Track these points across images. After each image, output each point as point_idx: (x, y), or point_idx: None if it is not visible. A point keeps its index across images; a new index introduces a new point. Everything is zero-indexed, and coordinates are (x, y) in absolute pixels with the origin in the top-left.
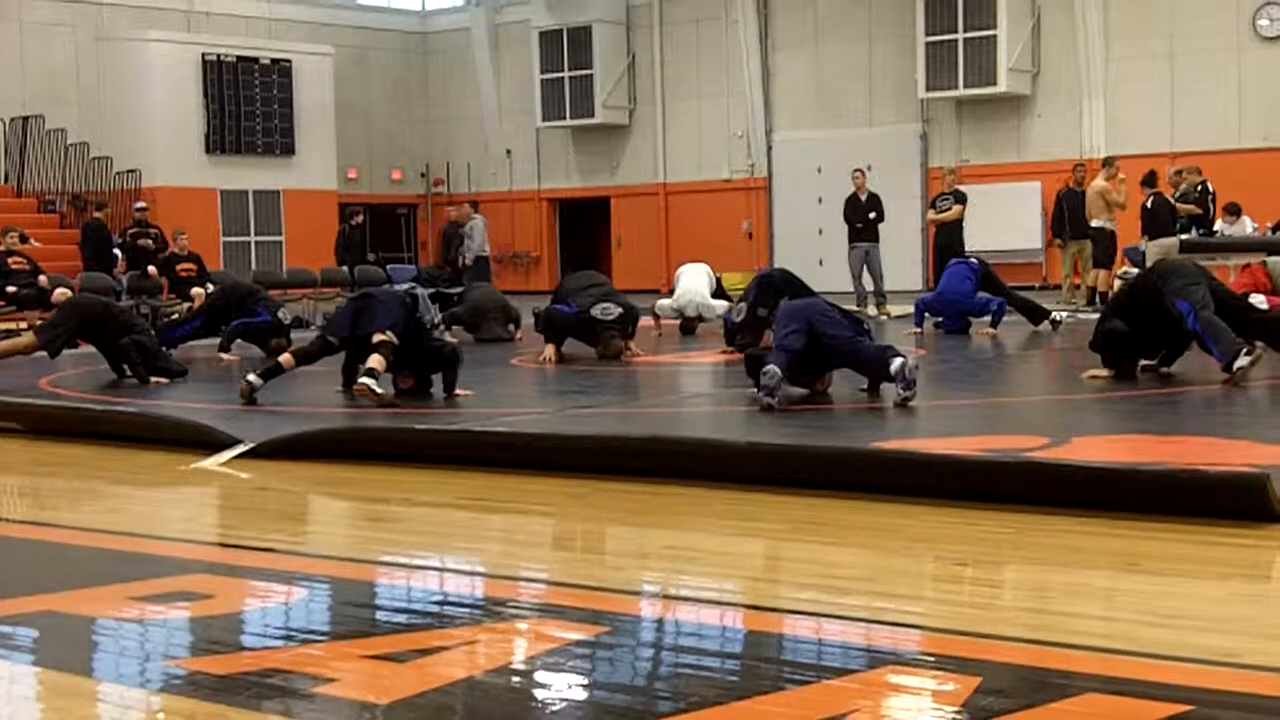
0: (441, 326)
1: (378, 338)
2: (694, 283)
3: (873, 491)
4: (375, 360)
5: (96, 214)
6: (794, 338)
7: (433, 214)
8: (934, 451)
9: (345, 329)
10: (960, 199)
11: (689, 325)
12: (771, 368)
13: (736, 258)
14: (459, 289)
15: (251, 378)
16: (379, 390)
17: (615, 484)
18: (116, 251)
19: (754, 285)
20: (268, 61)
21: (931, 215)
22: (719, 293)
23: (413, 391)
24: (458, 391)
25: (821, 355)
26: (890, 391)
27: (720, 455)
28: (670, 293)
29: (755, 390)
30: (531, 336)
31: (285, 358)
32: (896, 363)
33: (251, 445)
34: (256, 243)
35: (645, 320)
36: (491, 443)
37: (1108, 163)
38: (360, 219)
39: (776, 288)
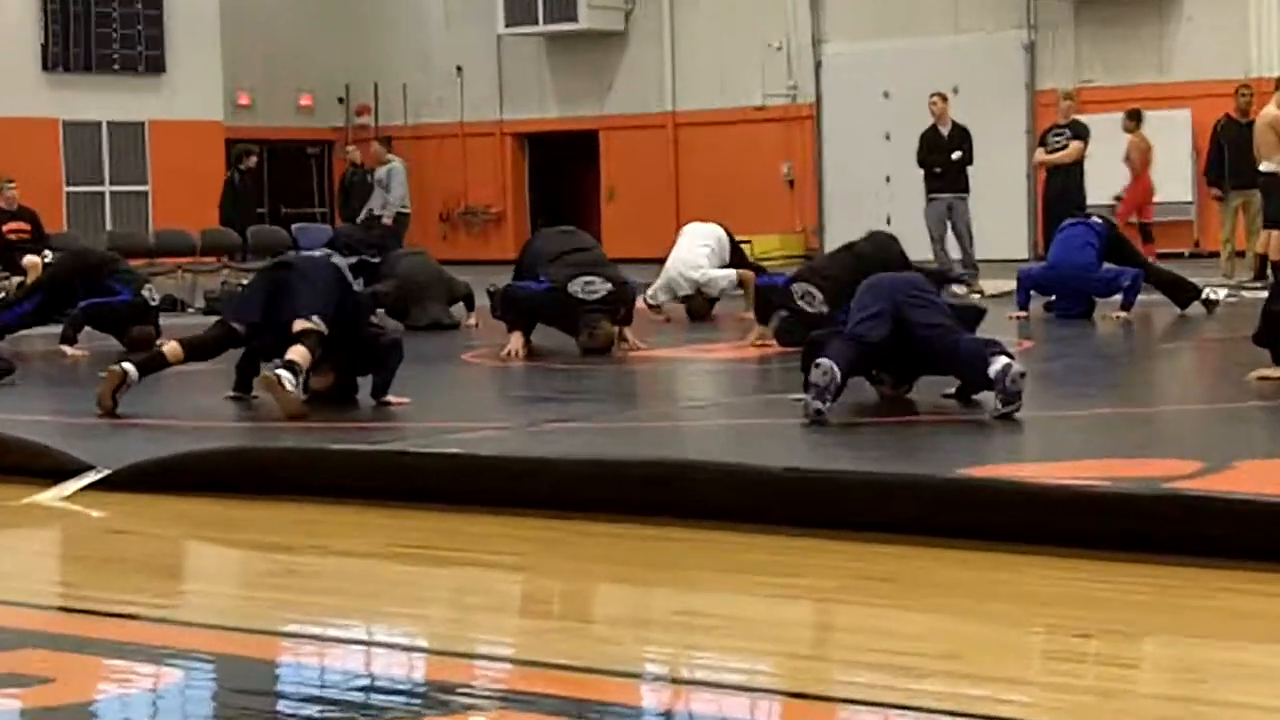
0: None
1: (300, 325)
2: (686, 252)
3: (960, 536)
4: (297, 352)
5: None
6: (872, 325)
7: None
8: (1042, 480)
9: (256, 312)
10: (1080, 134)
11: (699, 308)
12: (826, 362)
13: (774, 213)
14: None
15: (127, 365)
16: (290, 388)
17: (605, 526)
18: None
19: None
20: None
21: (1040, 156)
22: (737, 260)
23: (330, 396)
24: (390, 398)
25: (909, 352)
26: (988, 400)
27: (749, 486)
28: None
29: (802, 395)
30: (489, 324)
31: (171, 347)
32: (998, 364)
33: (107, 472)
34: (112, 194)
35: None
36: (437, 469)
37: None
38: (254, 161)
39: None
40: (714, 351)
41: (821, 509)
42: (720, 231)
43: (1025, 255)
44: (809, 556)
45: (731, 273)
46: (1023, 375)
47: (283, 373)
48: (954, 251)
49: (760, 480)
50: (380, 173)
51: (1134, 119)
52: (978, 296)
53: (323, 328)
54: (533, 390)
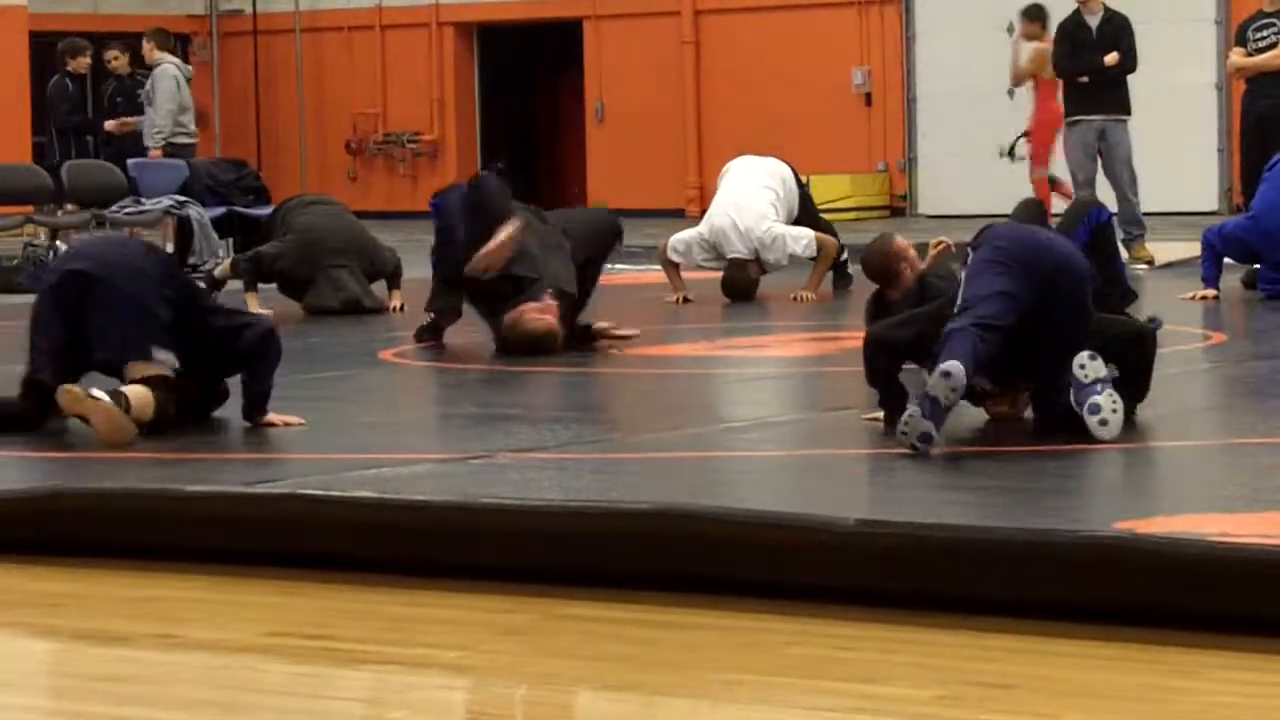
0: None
1: (140, 370)
2: (744, 195)
3: (1112, 620)
4: (137, 394)
5: None
6: (1001, 305)
7: (220, 50)
8: (1239, 540)
9: (52, 360)
10: None
11: (745, 282)
12: (957, 368)
13: (841, 144)
14: (269, 209)
15: None
16: (98, 394)
17: (591, 606)
18: None
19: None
20: None
21: (1236, 60)
22: (808, 214)
23: (181, 412)
24: (273, 417)
25: (1027, 348)
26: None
27: (804, 548)
28: (701, 217)
29: (877, 413)
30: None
31: None
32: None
33: None
34: None
35: (648, 274)
36: (343, 522)
37: None
38: (88, 62)
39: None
40: (755, 348)
41: (910, 581)
42: (786, 170)
43: (1215, 207)
44: (892, 652)
45: (808, 234)
46: (1157, 324)
47: (97, 391)
48: (1108, 199)
49: (820, 539)
50: (149, 83)
51: (1035, 18)
52: (1145, 267)
53: (173, 363)
54: (486, 404)
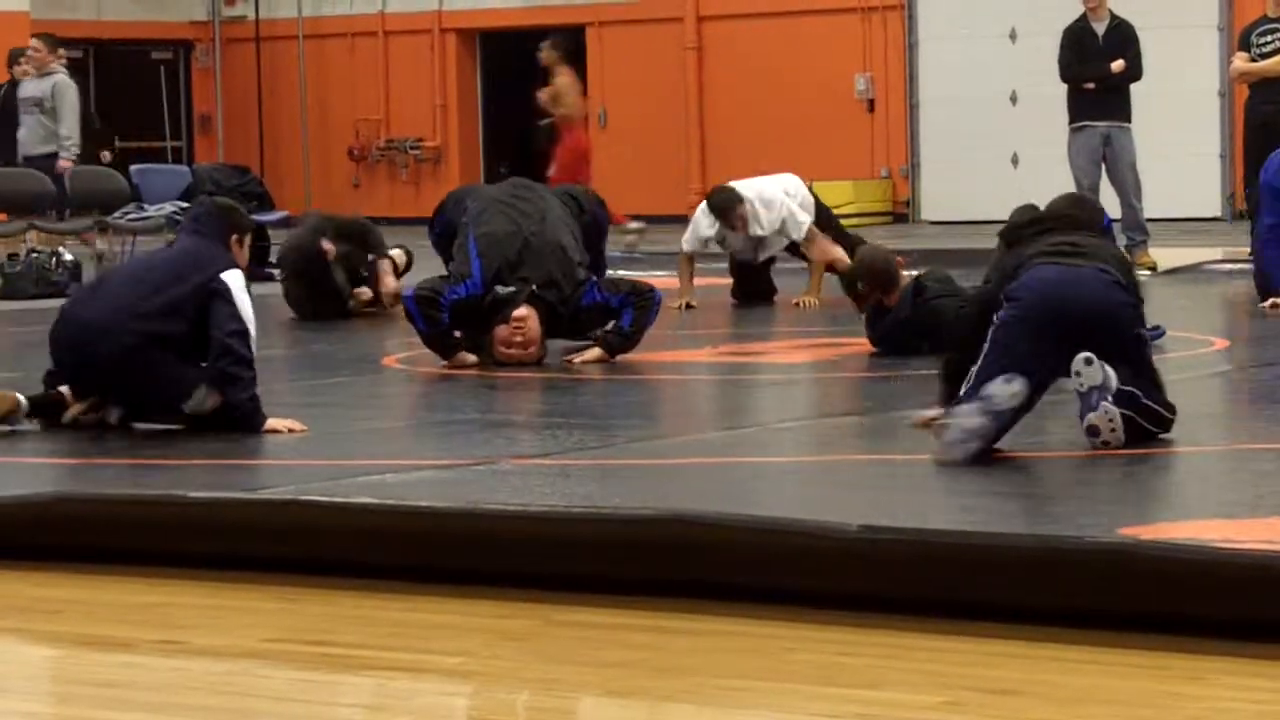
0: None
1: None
2: (758, 184)
3: (1115, 626)
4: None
5: None
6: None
7: (223, 56)
8: (1243, 545)
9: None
10: None
11: (747, 280)
12: (964, 424)
13: (843, 150)
14: (276, 214)
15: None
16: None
17: (593, 612)
18: None
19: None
20: None
21: (1240, 65)
22: (824, 219)
23: (208, 419)
24: (276, 423)
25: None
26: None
27: (806, 554)
28: None
29: (929, 412)
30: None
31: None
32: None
33: None
34: None
35: (651, 280)
36: (344, 527)
37: None
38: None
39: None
40: (758, 354)
41: (914, 587)
42: (796, 180)
43: (1218, 213)
44: (894, 658)
45: (808, 220)
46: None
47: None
48: (1112, 205)
49: (823, 545)
50: (39, 89)
51: (557, 47)
52: (1148, 273)
53: (203, 407)
54: (489, 410)
